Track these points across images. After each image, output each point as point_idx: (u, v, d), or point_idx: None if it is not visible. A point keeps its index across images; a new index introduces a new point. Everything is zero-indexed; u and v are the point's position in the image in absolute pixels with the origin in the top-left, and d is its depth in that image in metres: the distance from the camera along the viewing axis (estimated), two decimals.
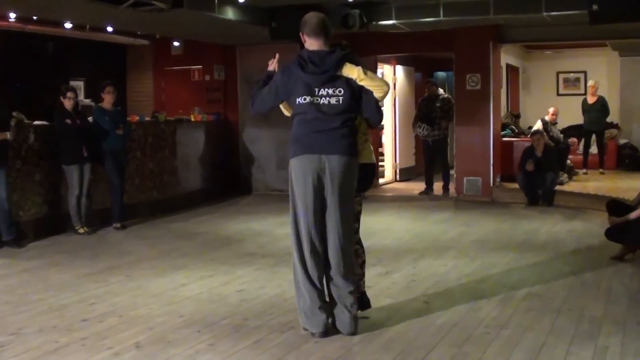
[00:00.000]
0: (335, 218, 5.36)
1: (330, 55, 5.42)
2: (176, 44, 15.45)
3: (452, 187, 13.68)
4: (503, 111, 15.84)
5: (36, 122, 10.31)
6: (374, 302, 6.21)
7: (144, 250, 9.03)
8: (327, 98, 5.33)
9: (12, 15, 12.58)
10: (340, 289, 5.37)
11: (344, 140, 5.34)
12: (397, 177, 16.15)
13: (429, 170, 13.99)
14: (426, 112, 13.76)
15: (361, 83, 5.39)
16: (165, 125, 12.51)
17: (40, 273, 7.76)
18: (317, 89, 5.33)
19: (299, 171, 5.34)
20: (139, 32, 14.88)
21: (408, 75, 16.59)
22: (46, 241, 9.64)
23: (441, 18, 11.70)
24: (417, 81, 17.15)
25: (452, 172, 13.90)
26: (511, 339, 5.23)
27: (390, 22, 12.05)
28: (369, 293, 6.16)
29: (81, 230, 10.00)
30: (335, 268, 5.38)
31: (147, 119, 12.53)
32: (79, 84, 14.89)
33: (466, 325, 5.59)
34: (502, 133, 14.50)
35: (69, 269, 7.88)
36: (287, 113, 5.64)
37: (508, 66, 17.12)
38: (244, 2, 11.11)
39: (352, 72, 5.40)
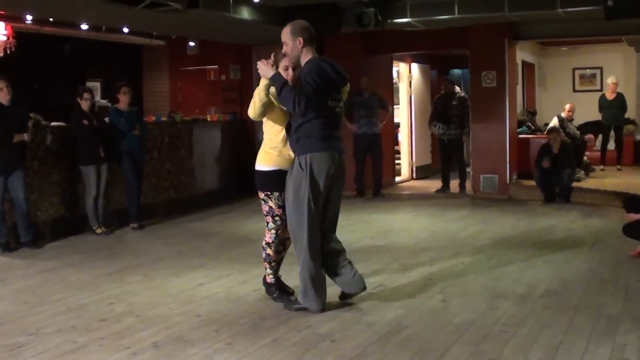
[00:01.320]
0: (338, 204, 6.13)
1: (337, 64, 5.97)
2: (192, 44, 15.48)
3: (468, 184, 13.66)
4: (519, 108, 15.79)
5: (53, 123, 10.36)
6: (392, 300, 6.26)
7: (161, 250, 9.05)
8: (338, 102, 5.96)
9: (29, 17, 12.66)
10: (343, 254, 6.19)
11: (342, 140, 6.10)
12: (414, 175, 16.14)
13: (445, 168, 13.97)
14: (442, 110, 13.75)
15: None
16: (181, 125, 12.55)
17: (58, 273, 7.80)
18: (336, 94, 5.90)
19: (322, 165, 5.81)
20: (154, 33, 14.93)
21: (423, 73, 16.57)
22: (64, 242, 9.69)
23: (456, 15, 11.68)
24: (433, 79, 17.13)
25: (468, 169, 13.88)
26: (529, 337, 5.22)
27: (405, 20, 12.04)
28: (386, 291, 6.31)
29: (99, 231, 10.05)
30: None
31: (164, 119, 12.58)
32: (96, 85, 14.96)
33: (483, 323, 5.58)
34: (518, 130, 14.46)
35: (87, 269, 7.92)
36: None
37: (524, 63, 17.06)
38: (259, 2, 11.13)
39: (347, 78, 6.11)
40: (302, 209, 5.84)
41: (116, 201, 10.79)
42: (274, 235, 6.21)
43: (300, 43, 5.86)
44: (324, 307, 5.97)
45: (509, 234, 9.59)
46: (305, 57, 5.92)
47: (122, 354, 5.07)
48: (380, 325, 5.54)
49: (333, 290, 6.20)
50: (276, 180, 6.05)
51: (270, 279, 6.35)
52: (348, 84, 6.13)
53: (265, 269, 6.34)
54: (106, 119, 10.40)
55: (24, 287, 7.22)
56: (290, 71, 5.98)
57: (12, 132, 8.90)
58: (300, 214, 5.86)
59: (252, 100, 5.94)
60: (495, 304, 6.14)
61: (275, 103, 5.96)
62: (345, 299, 6.22)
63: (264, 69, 5.85)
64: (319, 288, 5.96)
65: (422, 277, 7.15)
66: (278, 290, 6.34)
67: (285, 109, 5.92)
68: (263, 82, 5.91)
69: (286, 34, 5.94)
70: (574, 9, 11.06)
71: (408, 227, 10.41)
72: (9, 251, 8.96)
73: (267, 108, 5.98)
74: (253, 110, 5.96)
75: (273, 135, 6.09)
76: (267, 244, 6.24)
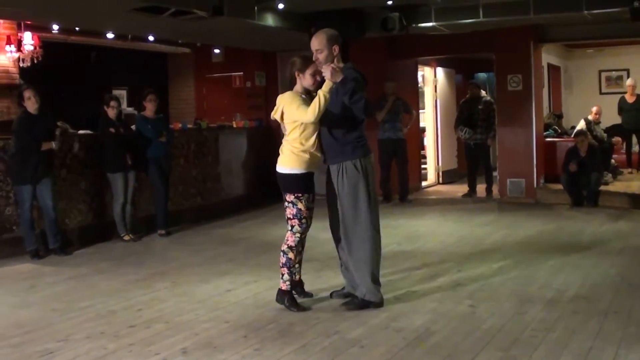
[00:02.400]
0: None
1: None
2: (217, 51, 15.55)
3: (495, 189, 13.60)
4: (545, 111, 15.70)
5: (80, 132, 10.46)
6: (420, 305, 6.24)
7: (188, 256, 9.09)
8: None
9: (55, 27, 12.79)
10: None
11: None
12: (440, 179, 16.11)
13: (471, 172, 13.91)
14: (468, 114, 13.70)
15: None
16: (207, 132, 12.60)
17: (87, 280, 7.85)
18: None
19: (372, 166, 6.25)
20: (180, 41, 15.01)
21: (448, 77, 16.54)
22: (92, 248, 9.75)
23: (481, 19, 11.63)
24: (458, 83, 17.08)
25: (495, 173, 13.82)
26: (558, 342, 5.18)
27: (430, 24, 12.00)
28: (414, 297, 6.35)
29: (126, 238, 10.10)
30: None
31: (190, 126, 12.63)
32: (122, 93, 15.08)
33: (512, 328, 5.55)
34: (545, 133, 14.38)
35: (115, 276, 7.96)
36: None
37: (549, 66, 16.95)
38: (283, 9, 11.15)
39: None
40: (361, 208, 6.11)
41: (143, 208, 10.85)
42: (297, 239, 6.22)
43: (335, 51, 6.04)
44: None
45: (536, 238, 9.54)
46: (339, 65, 6.05)
47: (151, 359, 5.10)
48: (409, 330, 5.53)
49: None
50: (308, 182, 6.17)
51: (286, 286, 6.25)
52: None
53: (283, 275, 6.24)
54: (133, 127, 10.46)
55: (53, 293, 7.27)
56: (318, 78, 6.06)
57: (40, 141, 8.96)
58: (358, 213, 6.12)
59: (316, 103, 5.90)
60: (524, 309, 6.10)
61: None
62: (333, 297, 6.52)
63: (335, 73, 5.88)
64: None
65: (450, 282, 7.13)
66: (291, 299, 6.26)
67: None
68: (328, 85, 5.91)
69: (322, 42, 6.06)
70: (600, 11, 10.99)
71: (435, 232, 10.38)
72: (38, 258, 9.02)
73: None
74: (317, 113, 5.91)
75: (304, 139, 6.11)
76: (289, 247, 6.22)
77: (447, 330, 5.55)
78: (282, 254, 6.26)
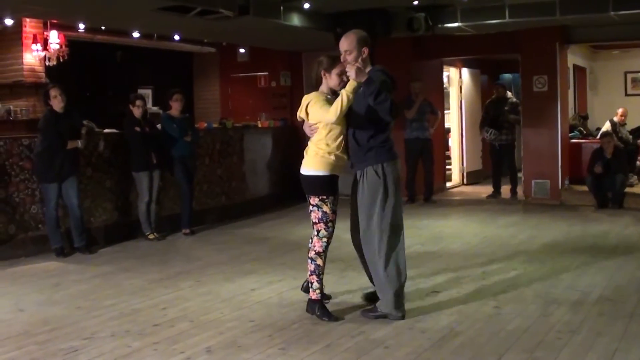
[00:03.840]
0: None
1: None
2: (242, 51, 15.58)
3: (520, 190, 13.53)
4: (570, 112, 15.61)
5: (106, 130, 10.51)
6: (444, 306, 6.23)
7: (213, 255, 9.11)
8: None
9: (82, 26, 12.86)
10: None
11: None
12: (465, 180, 16.05)
13: (496, 173, 13.86)
14: (494, 115, 13.64)
15: None
16: (232, 132, 12.62)
17: (111, 278, 7.89)
18: None
19: (396, 172, 6.06)
20: (205, 40, 15.05)
21: (474, 77, 16.48)
22: (117, 247, 9.80)
23: (507, 20, 11.59)
24: (483, 84, 17.02)
25: (519, 175, 13.76)
26: (583, 344, 5.15)
27: (456, 24, 11.97)
28: (439, 297, 6.36)
29: (151, 236, 10.15)
30: None
31: (215, 125, 12.66)
32: (147, 92, 15.14)
33: (537, 330, 5.53)
34: (570, 135, 14.30)
35: (139, 275, 8.00)
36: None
37: (575, 67, 16.85)
38: (309, 8, 11.16)
39: None
40: (382, 214, 5.92)
41: (168, 207, 10.90)
42: (325, 244, 6.03)
43: (364, 53, 5.96)
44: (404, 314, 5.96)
45: (561, 240, 9.48)
46: (367, 67, 5.97)
47: (176, 358, 5.11)
48: (434, 331, 5.52)
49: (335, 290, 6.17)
50: (333, 184, 6.04)
51: (316, 295, 6.04)
52: None
53: (312, 283, 6.03)
54: (158, 126, 10.51)
55: (78, 292, 7.31)
56: (344, 78, 5.97)
57: (66, 139, 9.02)
58: (376, 220, 5.92)
59: (338, 102, 5.80)
60: (549, 310, 6.08)
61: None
62: (370, 301, 6.25)
63: (359, 73, 5.76)
64: (402, 293, 6.01)
65: (474, 283, 7.10)
66: (322, 308, 6.02)
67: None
68: (352, 85, 5.81)
69: (352, 43, 5.97)
70: (626, 12, 10.93)
71: (460, 233, 10.34)
72: (63, 256, 9.07)
73: None
74: (339, 113, 5.82)
75: (330, 140, 5.99)
76: (317, 253, 6.01)
77: (472, 331, 5.53)
78: (309, 260, 6.03)
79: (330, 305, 6.30)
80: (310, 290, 6.07)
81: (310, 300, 6.07)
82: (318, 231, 6.05)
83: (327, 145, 6.00)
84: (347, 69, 5.84)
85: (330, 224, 6.04)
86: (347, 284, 7.13)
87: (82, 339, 5.64)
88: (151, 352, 5.26)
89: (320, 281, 6.03)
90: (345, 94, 5.79)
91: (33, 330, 5.89)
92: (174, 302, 6.73)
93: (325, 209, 6.03)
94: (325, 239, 6.03)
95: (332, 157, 6.00)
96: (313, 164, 6.03)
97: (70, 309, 6.61)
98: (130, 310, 6.47)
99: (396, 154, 6.07)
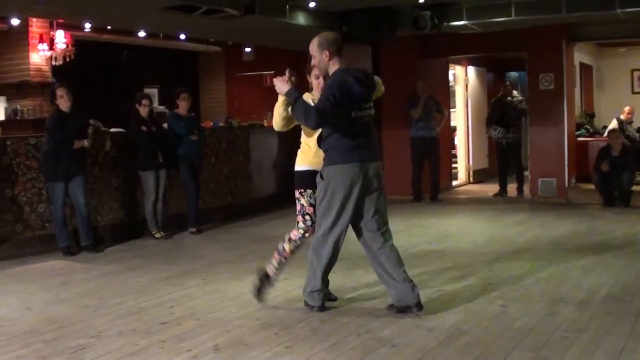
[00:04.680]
0: (379, 209, 6.01)
1: (369, 73, 6.14)
2: (248, 50, 15.61)
3: (526, 188, 13.53)
4: (577, 110, 15.59)
5: (112, 130, 10.54)
6: (451, 305, 6.23)
7: (219, 254, 9.12)
8: (370, 110, 6.03)
9: (88, 26, 12.90)
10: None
11: (376, 146, 6.17)
12: (471, 179, 16.05)
13: (502, 171, 13.85)
14: (500, 113, 13.63)
15: (380, 93, 6.30)
16: (238, 131, 12.62)
17: (118, 277, 7.90)
18: (364, 103, 5.95)
19: (344, 177, 5.85)
20: (211, 39, 15.09)
21: (480, 75, 16.48)
22: (123, 246, 9.82)
23: (513, 17, 11.60)
24: (489, 82, 17.00)
25: (526, 173, 13.74)
26: (590, 343, 5.14)
27: (462, 22, 11.99)
28: (445, 296, 6.37)
29: (157, 235, 10.17)
30: None
31: (221, 124, 12.67)
32: (153, 92, 15.15)
33: (544, 329, 5.52)
34: (576, 133, 14.28)
35: (146, 273, 8.01)
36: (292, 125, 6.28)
37: (581, 65, 16.83)
38: (314, 7, 11.16)
39: (380, 84, 6.21)
40: (327, 215, 5.97)
41: (174, 206, 10.91)
42: (300, 235, 6.30)
43: (327, 56, 5.98)
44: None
45: (568, 238, 9.47)
46: (332, 69, 6.00)
47: (183, 356, 5.11)
48: (440, 330, 5.51)
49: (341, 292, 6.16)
50: (310, 178, 6.20)
51: (271, 270, 6.41)
52: (381, 89, 6.27)
53: (272, 260, 6.41)
54: (164, 125, 10.52)
55: (85, 290, 7.32)
56: (321, 80, 6.17)
57: (72, 139, 9.03)
58: (324, 220, 5.99)
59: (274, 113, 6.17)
60: (556, 309, 6.06)
61: None
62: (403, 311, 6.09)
63: (279, 85, 6.00)
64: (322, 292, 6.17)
65: (481, 281, 7.10)
66: (258, 287, 6.43)
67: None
68: (281, 99, 6.09)
69: (314, 48, 6.04)
70: (633, 9, 10.92)
71: (466, 231, 10.34)
72: (70, 255, 9.09)
73: (291, 120, 6.16)
74: (275, 124, 6.28)
75: (306, 135, 6.30)
76: (290, 239, 6.32)
77: (478, 330, 5.52)
78: (281, 241, 6.38)
79: (336, 303, 6.37)
80: (271, 265, 6.41)
81: (263, 274, 6.44)
82: (297, 223, 6.34)
83: (304, 141, 6.35)
84: (274, 83, 6.09)
85: (307, 217, 6.27)
86: (354, 282, 7.14)
87: (89, 337, 5.64)
88: (158, 350, 5.26)
89: (280, 264, 6.41)
90: (275, 108, 6.16)
91: (40, 329, 5.90)
92: (180, 300, 6.74)
93: (303, 201, 6.30)
94: (302, 231, 6.31)
95: (311, 153, 6.26)
96: (297, 159, 6.43)
97: (77, 307, 6.61)
98: (137, 309, 6.47)
99: (348, 157, 5.86)
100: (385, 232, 6.08)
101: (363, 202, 5.95)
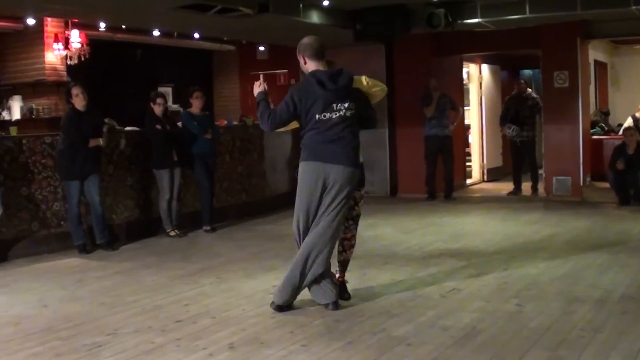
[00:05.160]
0: (333, 213, 6.08)
1: (342, 74, 6.10)
2: (261, 49, 15.62)
3: (541, 187, 13.48)
4: (592, 108, 15.51)
5: (127, 128, 10.57)
6: (466, 304, 6.22)
7: (234, 252, 9.14)
8: (345, 112, 6.03)
9: (102, 25, 12.93)
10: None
11: (348, 151, 6.06)
12: (485, 177, 16.01)
13: (517, 170, 13.81)
14: (514, 111, 13.59)
15: (370, 89, 6.27)
16: (252, 129, 12.61)
17: (133, 275, 7.93)
18: (336, 105, 6.00)
19: (309, 174, 6.09)
20: (225, 38, 15.10)
21: (494, 73, 16.42)
22: (138, 244, 9.86)
23: (527, 15, 11.54)
24: (503, 80, 16.95)
25: (540, 171, 13.70)
26: (607, 343, 5.12)
27: (476, 20, 11.94)
28: (461, 295, 6.37)
29: (172, 233, 10.19)
30: None
31: (235, 123, 12.68)
32: (167, 90, 15.19)
33: (560, 328, 5.50)
34: (591, 131, 14.22)
35: (161, 271, 8.04)
36: (291, 128, 6.44)
37: (596, 62, 16.75)
38: (328, 5, 11.16)
39: (360, 82, 6.22)
40: (295, 210, 6.30)
41: (189, 204, 10.93)
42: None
43: (303, 60, 6.21)
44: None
45: (583, 237, 9.43)
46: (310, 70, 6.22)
47: (198, 354, 5.12)
48: (456, 329, 5.50)
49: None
50: None
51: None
52: (356, 79, 6.23)
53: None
54: (179, 124, 10.54)
55: (100, 288, 7.35)
56: None
57: (87, 137, 9.07)
58: (294, 215, 6.30)
59: None
60: (572, 308, 6.04)
61: None
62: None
63: (255, 88, 6.39)
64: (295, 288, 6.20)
65: (496, 280, 7.08)
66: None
67: None
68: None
69: (296, 53, 6.26)
70: None
71: (481, 230, 10.32)
72: (86, 253, 9.15)
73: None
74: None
75: None
76: None
77: (494, 329, 5.51)
78: None
79: (351, 302, 6.37)
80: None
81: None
82: None
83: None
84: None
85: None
86: (368, 282, 7.14)
87: (105, 334, 5.66)
88: (174, 348, 5.28)
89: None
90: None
91: (57, 326, 5.93)
92: (195, 298, 6.76)
93: None
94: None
95: None
96: None
97: (93, 305, 6.65)
98: (152, 307, 6.50)
99: (312, 155, 6.08)
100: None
101: (321, 202, 6.10)
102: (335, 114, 6.00)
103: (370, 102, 6.36)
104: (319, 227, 6.11)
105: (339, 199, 6.04)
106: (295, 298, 6.20)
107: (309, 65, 6.18)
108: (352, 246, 6.51)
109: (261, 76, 6.53)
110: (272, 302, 6.22)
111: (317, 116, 5.99)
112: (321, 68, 6.13)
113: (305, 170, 6.13)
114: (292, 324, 5.79)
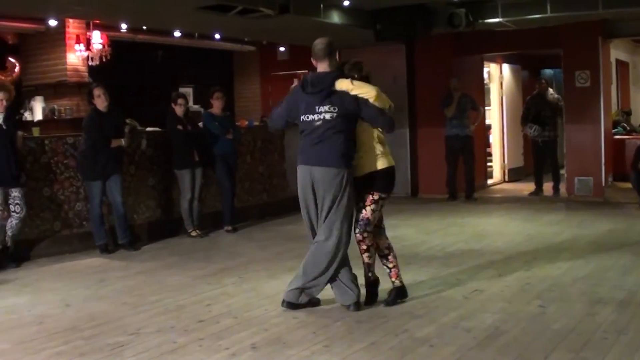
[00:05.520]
0: (330, 215, 6.14)
1: (327, 75, 6.16)
2: (282, 49, 15.63)
3: (562, 187, 13.42)
4: (613, 108, 15.42)
5: (148, 129, 10.62)
6: (489, 305, 6.21)
7: (255, 252, 9.16)
8: (324, 114, 6.04)
9: (124, 26, 13.00)
10: None
11: (332, 152, 6.04)
12: (506, 177, 15.95)
13: (538, 170, 13.75)
14: (535, 111, 13.53)
15: (352, 92, 6.07)
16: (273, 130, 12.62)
17: (155, 275, 7.96)
18: (317, 107, 6.06)
19: (299, 178, 6.27)
20: (245, 39, 15.13)
21: (514, 73, 16.37)
22: (160, 244, 9.89)
23: (548, 14, 11.49)
24: (524, 79, 16.89)
25: (562, 171, 13.64)
26: (631, 345, 5.08)
27: (497, 20, 11.91)
28: (483, 296, 6.38)
29: (193, 233, 10.22)
30: None
31: (256, 123, 12.70)
32: (188, 91, 15.24)
33: (583, 329, 5.47)
34: (613, 131, 14.14)
35: (183, 271, 8.06)
36: None
37: (617, 61, 16.64)
38: (349, 6, 11.16)
39: (343, 84, 6.10)
40: None
41: (210, 204, 10.96)
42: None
43: (315, 63, 6.32)
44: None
45: (606, 238, 9.38)
46: None
47: (221, 354, 5.13)
48: (479, 330, 5.49)
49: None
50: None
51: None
52: (341, 81, 6.10)
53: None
54: (200, 124, 10.57)
55: (123, 287, 7.38)
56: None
57: (109, 138, 9.11)
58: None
59: None
60: (595, 309, 6.01)
61: None
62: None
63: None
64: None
65: (518, 282, 7.05)
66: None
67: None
68: None
69: None
70: None
71: (502, 230, 10.27)
72: (108, 253, 9.19)
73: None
74: None
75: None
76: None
77: (517, 331, 5.49)
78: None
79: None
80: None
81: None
82: None
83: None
84: None
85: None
86: (389, 282, 7.09)
87: (128, 334, 5.69)
88: (197, 348, 5.29)
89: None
90: None
91: (80, 326, 5.96)
92: (218, 298, 6.77)
93: None
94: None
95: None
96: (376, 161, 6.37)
97: (116, 304, 6.68)
98: (175, 306, 6.52)
99: (300, 159, 6.28)
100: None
101: (316, 205, 6.21)
102: (317, 117, 6.06)
103: (372, 106, 6.10)
104: (315, 245, 6.24)
105: (328, 202, 6.09)
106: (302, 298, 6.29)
107: (317, 67, 6.27)
108: (366, 250, 6.34)
109: (295, 80, 6.61)
110: (283, 301, 6.31)
111: (301, 118, 6.15)
112: (326, 69, 6.21)
113: (298, 174, 6.29)
114: (314, 324, 5.80)
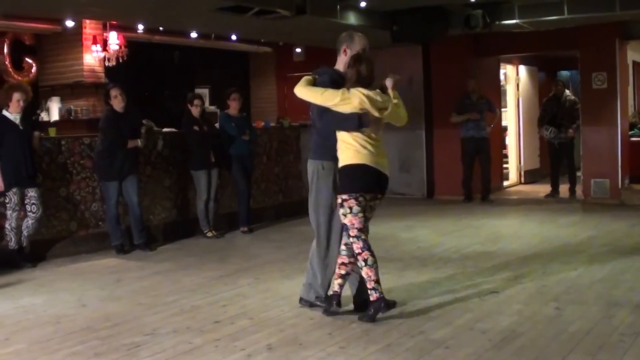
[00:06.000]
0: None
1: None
2: (298, 50, 15.64)
3: (578, 189, 13.36)
4: (630, 110, 15.34)
5: (165, 130, 10.63)
6: (505, 307, 6.18)
7: (271, 253, 9.16)
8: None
9: (140, 27, 13.04)
10: None
11: (313, 146, 6.41)
12: (522, 179, 15.90)
13: (554, 172, 13.70)
14: (552, 113, 13.48)
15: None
16: (289, 131, 12.64)
17: (171, 275, 7.97)
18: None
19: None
20: (262, 40, 15.14)
21: (531, 75, 16.32)
22: (176, 244, 9.91)
23: (565, 16, 11.43)
24: (541, 81, 16.83)
25: (578, 173, 13.58)
26: None
27: (514, 21, 11.86)
28: (499, 298, 6.37)
29: (209, 234, 10.23)
30: None
31: (272, 124, 12.71)
32: (204, 92, 15.26)
33: (600, 332, 5.44)
34: (630, 133, 14.07)
35: (199, 272, 8.07)
36: None
37: (635, 63, 16.56)
38: (365, 7, 11.15)
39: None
40: None
41: (226, 205, 10.98)
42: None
43: None
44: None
45: (622, 240, 9.33)
46: None
47: (237, 355, 5.14)
48: (494, 332, 5.47)
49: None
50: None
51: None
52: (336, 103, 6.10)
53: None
54: (216, 125, 10.59)
55: (139, 288, 7.40)
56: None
57: (126, 138, 9.13)
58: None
59: None
60: (612, 312, 5.97)
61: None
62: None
63: None
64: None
65: (534, 284, 7.02)
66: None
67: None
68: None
69: None
70: None
71: (518, 232, 10.24)
72: (124, 253, 9.21)
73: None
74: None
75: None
76: None
77: (533, 333, 5.47)
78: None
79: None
80: None
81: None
82: None
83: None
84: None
85: None
86: (406, 283, 7.11)
87: (143, 334, 5.70)
88: (212, 349, 5.30)
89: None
90: None
91: (96, 326, 5.98)
92: (233, 299, 6.78)
93: None
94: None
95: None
96: None
97: (132, 305, 6.69)
98: (190, 307, 6.53)
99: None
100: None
101: None
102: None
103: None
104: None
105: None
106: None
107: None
108: (344, 265, 6.07)
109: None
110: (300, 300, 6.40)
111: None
112: (338, 66, 6.56)
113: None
114: (330, 325, 5.79)
